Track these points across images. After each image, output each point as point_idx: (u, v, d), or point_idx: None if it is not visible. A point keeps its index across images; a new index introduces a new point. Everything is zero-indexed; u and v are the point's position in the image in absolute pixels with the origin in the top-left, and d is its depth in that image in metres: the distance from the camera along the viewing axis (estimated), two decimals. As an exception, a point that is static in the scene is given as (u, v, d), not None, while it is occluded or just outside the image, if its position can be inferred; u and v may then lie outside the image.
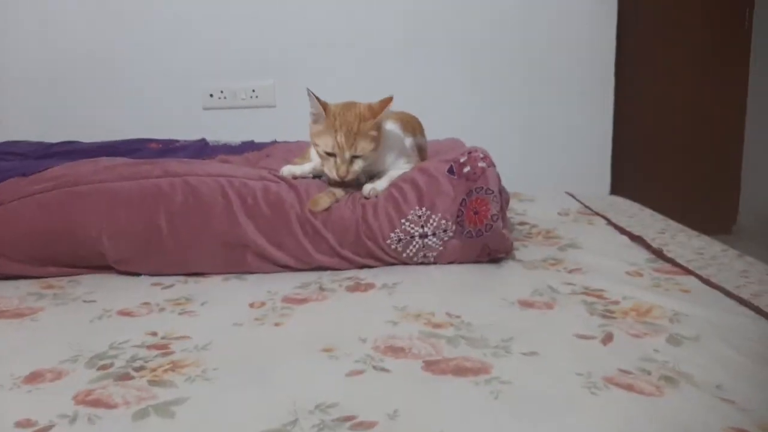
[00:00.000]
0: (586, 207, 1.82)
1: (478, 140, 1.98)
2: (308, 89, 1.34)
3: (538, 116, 2.77)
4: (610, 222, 1.63)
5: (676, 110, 3.08)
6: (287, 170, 1.44)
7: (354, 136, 1.32)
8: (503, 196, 1.39)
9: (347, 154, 1.33)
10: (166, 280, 1.29)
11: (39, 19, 2.68)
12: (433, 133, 1.70)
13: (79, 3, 2.67)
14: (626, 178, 2.90)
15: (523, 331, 0.96)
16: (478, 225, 1.29)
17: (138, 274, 1.33)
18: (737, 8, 3.02)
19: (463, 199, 1.33)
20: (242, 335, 1.00)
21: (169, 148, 1.78)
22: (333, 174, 1.36)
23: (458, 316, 1.03)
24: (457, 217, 1.32)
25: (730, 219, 3.31)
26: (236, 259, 1.31)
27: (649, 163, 3.10)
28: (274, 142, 1.98)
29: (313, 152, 1.52)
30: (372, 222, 1.31)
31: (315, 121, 1.38)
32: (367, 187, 1.39)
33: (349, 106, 1.38)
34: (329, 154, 1.35)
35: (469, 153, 1.39)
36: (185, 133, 2.49)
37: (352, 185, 1.42)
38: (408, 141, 1.52)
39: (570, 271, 1.26)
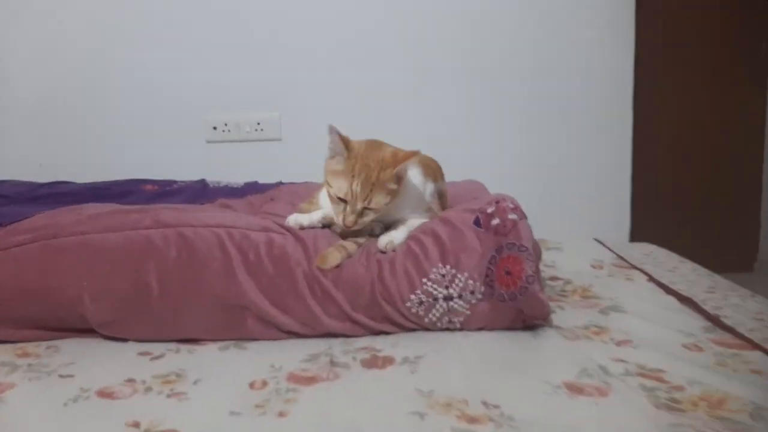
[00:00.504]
0: (621, 258, 1.66)
1: (489, 180, 1.84)
2: (331, 126, 1.20)
3: (554, 153, 2.63)
4: (651, 278, 1.47)
5: (693, 148, 2.94)
6: (294, 220, 1.29)
7: (371, 187, 1.18)
8: (535, 251, 1.23)
9: (359, 205, 1.20)
10: (156, 348, 1.13)
11: (33, 47, 2.57)
12: (446, 172, 1.56)
13: (76, 30, 2.55)
14: (646, 216, 2.75)
15: (576, 430, 0.80)
16: (510, 287, 1.13)
17: (125, 340, 1.16)
18: (755, 45, 2.89)
19: (493, 256, 1.17)
20: (241, 429, 0.84)
21: (165, 191, 1.64)
22: (339, 220, 1.23)
23: (496, 407, 0.87)
24: (486, 276, 1.17)
25: (751, 256, 3.16)
26: (235, 324, 1.15)
27: (667, 201, 2.96)
28: (279, 184, 1.83)
29: (323, 197, 1.37)
30: (389, 281, 1.16)
31: (332, 157, 1.24)
32: (384, 240, 1.23)
33: (374, 147, 1.24)
34: (341, 199, 1.21)
35: (497, 203, 1.24)
36: (188, 168, 2.36)
37: (364, 235, 1.27)
38: (429, 188, 1.38)
39: (618, 343, 1.10)
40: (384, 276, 1.17)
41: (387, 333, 1.17)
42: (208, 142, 2.69)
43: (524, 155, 2.62)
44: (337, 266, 1.17)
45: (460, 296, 1.16)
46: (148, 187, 1.70)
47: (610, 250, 1.75)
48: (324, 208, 1.34)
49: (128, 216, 1.24)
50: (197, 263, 1.16)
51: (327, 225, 1.32)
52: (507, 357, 1.06)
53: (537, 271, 1.17)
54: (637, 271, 1.54)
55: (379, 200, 1.21)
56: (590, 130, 2.60)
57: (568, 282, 1.45)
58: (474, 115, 2.60)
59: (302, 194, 1.60)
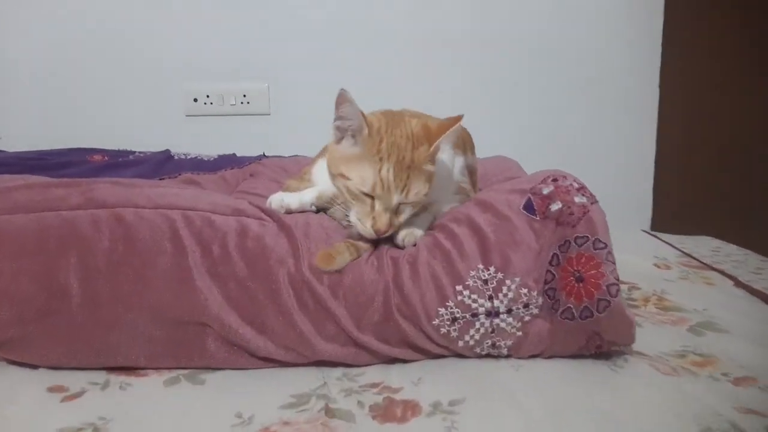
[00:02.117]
0: (688, 255, 1.32)
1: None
2: (343, 91, 0.85)
3: (573, 133, 2.28)
4: (739, 283, 1.14)
5: (720, 132, 2.59)
6: (278, 201, 0.94)
7: (407, 172, 0.85)
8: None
9: (395, 199, 0.86)
10: (74, 380, 0.79)
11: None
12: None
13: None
14: (666, 206, 2.41)
15: None
16: (583, 300, 0.80)
17: (35, 366, 0.82)
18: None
19: (555, 255, 0.84)
20: None
21: (117, 163, 1.30)
22: (368, 227, 0.87)
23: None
24: (546, 283, 0.83)
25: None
26: (189, 346, 0.82)
27: (689, 189, 2.62)
28: (262, 157, 1.49)
29: (317, 172, 1.03)
30: (410, 289, 0.82)
31: (339, 140, 0.90)
32: (402, 232, 0.90)
33: (394, 119, 0.90)
34: (366, 195, 0.86)
35: (554, 180, 0.90)
36: (161, 145, 2.01)
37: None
38: (458, 162, 1.04)
39: (737, 382, 0.77)
40: (402, 281, 0.83)
41: (405, 361, 0.83)
42: (188, 115, 2.33)
43: (541, 134, 2.27)
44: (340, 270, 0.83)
45: (509, 311, 0.82)
46: (96, 157, 1.35)
47: (670, 245, 1.42)
48: (319, 184, 1.00)
49: (49, 191, 0.89)
50: (138, 259, 0.81)
51: (323, 209, 0.98)
52: (585, 404, 0.72)
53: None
54: (716, 273, 1.21)
55: (419, 189, 0.87)
56: (613, 109, 2.26)
57: (634, 287, 1.12)
58: (486, 91, 2.25)
59: (291, 170, 1.26)
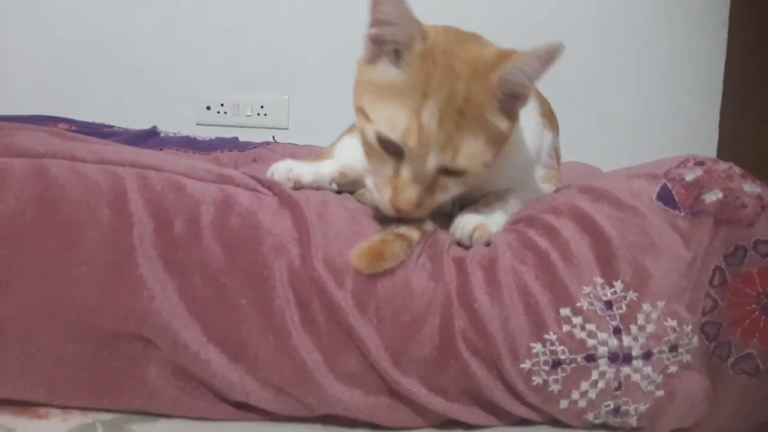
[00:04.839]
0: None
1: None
2: None
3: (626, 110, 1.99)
4: None
5: None
6: (283, 169, 0.64)
7: (458, 118, 0.54)
8: None
9: (432, 162, 0.54)
10: None
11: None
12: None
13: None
14: None
15: None
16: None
17: None
18: None
19: (717, 270, 0.52)
20: None
21: (85, 133, 1.02)
22: (385, 195, 0.56)
23: None
24: (705, 314, 0.51)
25: None
26: (119, 375, 0.50)
27: None
28: (270, 143, 1.20)
29: (341, 149, 0.73)
30: (485, 308, 0.51)
31: (373, 60, 0.59)
32: (468, 222, 0.59)
33: (461, 38, 0.60)
34: (388, 149, 0.56)
35: (699, 163, 0.59)
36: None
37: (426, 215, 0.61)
38: (547, 138, 0.72)
39: None
40: (473, 296, 0.51)
41: (469, 427, 0.51)
42: (199, 124, 2.10)
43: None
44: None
45: (646, 355, 0.50)
46: (61, 126, 1.07)
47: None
48: (340, 158, 0.70)
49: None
50: (55, 231, 0.51)
51: (345, 189, 0.68)
52: None
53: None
54: None
55: (474, 150, 0.55)
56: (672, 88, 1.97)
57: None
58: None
59: (304, 157, 0.96)
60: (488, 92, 0.55)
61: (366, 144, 0.57)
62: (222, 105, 2.12)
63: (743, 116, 1.82)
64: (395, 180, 0.56)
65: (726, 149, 1.83)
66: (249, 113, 2.13)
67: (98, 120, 1.68)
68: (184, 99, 2.08)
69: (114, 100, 2.00)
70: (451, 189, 0.58)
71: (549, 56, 0.53)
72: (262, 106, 2.12)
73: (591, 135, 1.88)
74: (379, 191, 0.57)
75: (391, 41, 0.56)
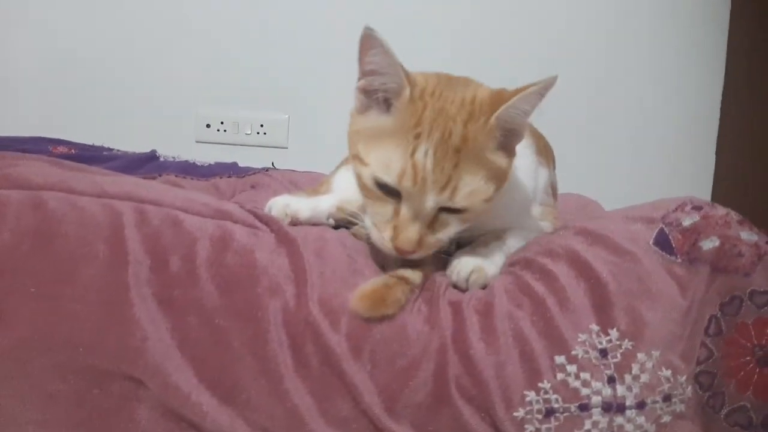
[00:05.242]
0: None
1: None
2: (368, 29, 0.56)
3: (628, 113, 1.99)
4: None
5: None
6: (281, 205, 0.64)
7: (455, 157, 0.54)
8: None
9: (430, 201, 0.55)
10: None
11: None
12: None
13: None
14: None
15: None
16: (775, 398, 0.47)
17: None
18: None
19: (713, 319, 0.52)
20: None
21: (84, 157, 1.02)
22: (385, 237, 0.56)
23: None
24: (699, 363, 0.51)
25: None
26: (109, 415, 0.50)
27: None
28: (269, 169, 1.21)
29: (338, 180, 0.73)
30: (480, 355, 0.51)
31: (364, 110, 0.60)
32: (464, 266, 0.59)
33: (451, 82, 0.60)
34: (385, 190, 0.56)
35: (696, 208, 0.59)
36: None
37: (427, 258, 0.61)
38: (543, 176, 0.73)
39: None
40: (468, 342, 0.51)
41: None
42: (198, 141, 2.09)
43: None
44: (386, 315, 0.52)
45: (640, 405, 0.50)
46: (60, 149, 1.07)
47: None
48: (338, 192, 0.70)
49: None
50: (51, 266, 0.51)
51: (343, 224, 0.68)
52: None
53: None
54: None
55: (473, 188, 0.55)
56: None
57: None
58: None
59: (303, 185, 0.96)
60: (487, 133, 0.56)
61: (363, 188, 0.57)
62: (222, 123, 2.12)
63: (743, 126, 1.81)
64: (396, 219, 0.56)
65: (726, 151, 1.82)
66: (249, 131, 2.13)
67: (98, 136, 1.69)
68: (183, 116, 2.07)
69: (114, 117, 2.00)
70: (453, 226, 0.58)
71: (545, 90, 0.54)
72: (261, 125, 2.11)
73: (592, 135, 1.89)
74: (377, 231, 0.57)
75: (380, 90, 0.57)
